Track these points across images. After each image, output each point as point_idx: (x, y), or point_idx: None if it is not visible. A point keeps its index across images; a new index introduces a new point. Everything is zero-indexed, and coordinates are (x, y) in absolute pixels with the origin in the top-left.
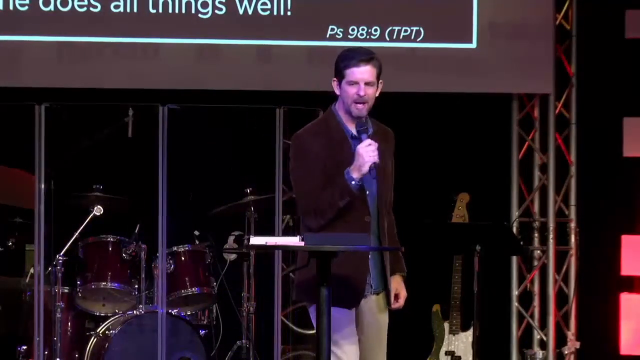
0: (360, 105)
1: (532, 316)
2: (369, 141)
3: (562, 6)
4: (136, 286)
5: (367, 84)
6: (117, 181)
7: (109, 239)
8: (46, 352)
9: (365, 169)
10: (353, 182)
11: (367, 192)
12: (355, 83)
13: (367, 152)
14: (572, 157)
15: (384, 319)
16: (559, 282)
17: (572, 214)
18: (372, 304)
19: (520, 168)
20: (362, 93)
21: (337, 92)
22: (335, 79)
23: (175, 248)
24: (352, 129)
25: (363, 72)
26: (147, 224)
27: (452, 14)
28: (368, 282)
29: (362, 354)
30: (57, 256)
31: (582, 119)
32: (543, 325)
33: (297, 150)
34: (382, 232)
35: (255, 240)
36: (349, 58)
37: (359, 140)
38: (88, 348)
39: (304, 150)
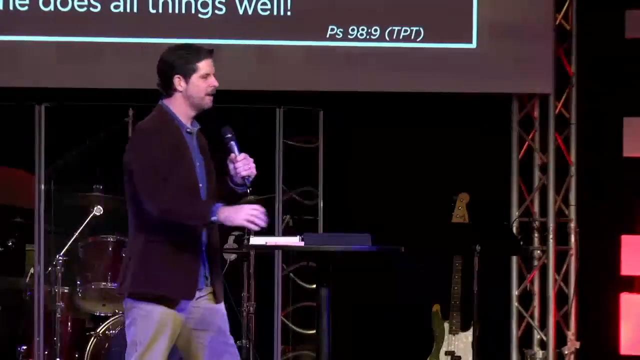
0: (211, 97)
1: (532, 316)
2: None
3: (562, 6)
4: None
5: (214, 75)
6: (117, 181)
7: (109, 239)
8: (46, 352)
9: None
10: (214, 218)
11: (203, 193)
12: (208, 75)
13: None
14: (572, 157)
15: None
16: (559, 282)
17: (572, 214)
18: (208, 299)
19: (520, 168)
20: (217, 83)
21: (180, 88)
22: (178, 76)
23: None
24: (188, 124)
25: (211, 65)
26: None
27: (452, 14)
28: (202, 274)
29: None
30: (57, 256)
31: (582, 119)
32: (543, 325)
33: (141, 144)
34: (212, 231)
35: (255, 240)
36: (196, 52)
37: (190, 135)
38: (88, 348)
39: (147, 145)
